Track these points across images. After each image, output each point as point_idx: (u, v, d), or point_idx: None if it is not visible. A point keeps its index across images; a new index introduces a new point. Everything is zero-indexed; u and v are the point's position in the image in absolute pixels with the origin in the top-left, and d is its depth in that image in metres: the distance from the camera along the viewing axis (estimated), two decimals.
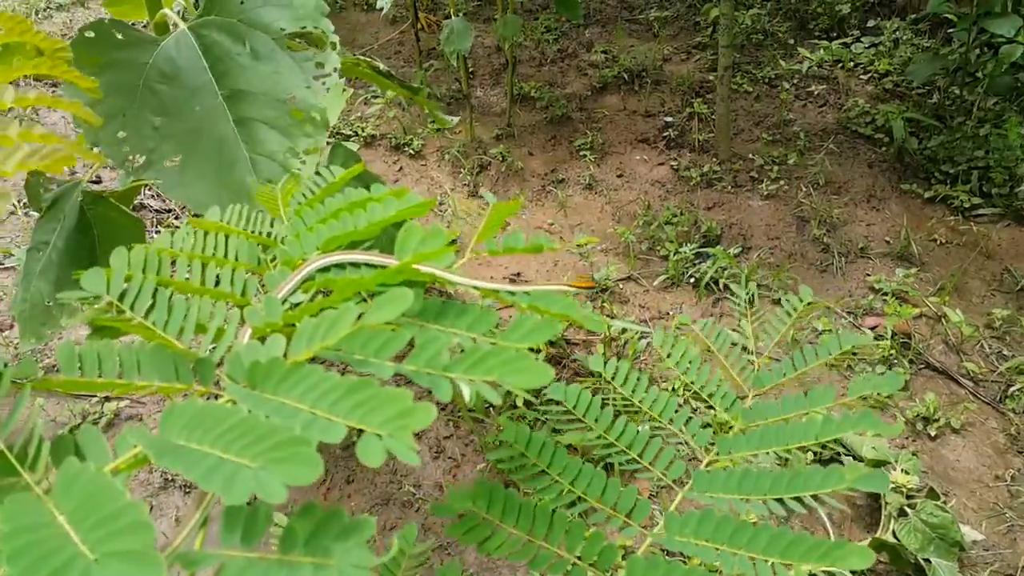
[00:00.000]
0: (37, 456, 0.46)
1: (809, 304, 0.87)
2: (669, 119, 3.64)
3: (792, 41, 4.25)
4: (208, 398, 0.54)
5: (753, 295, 2.66)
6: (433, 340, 0.52)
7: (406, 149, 3.55)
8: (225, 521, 0.44)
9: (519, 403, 2.16)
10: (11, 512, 0.38)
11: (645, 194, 3.23)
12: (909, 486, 1.90)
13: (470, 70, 4.21)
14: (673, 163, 3.38)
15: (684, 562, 0.60)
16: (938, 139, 3.23)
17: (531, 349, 0.51)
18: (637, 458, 0.73)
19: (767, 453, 0.70)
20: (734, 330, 0.75)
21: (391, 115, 3.71)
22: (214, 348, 0.58)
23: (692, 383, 0.79)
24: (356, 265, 0.60)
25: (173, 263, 0.66)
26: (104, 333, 0.60)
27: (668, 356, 0.81)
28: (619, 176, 3.35)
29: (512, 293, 0.64)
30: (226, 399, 0.51)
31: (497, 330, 0.56)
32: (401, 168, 3.46)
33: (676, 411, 0.77)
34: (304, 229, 0.70)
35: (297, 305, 0.58)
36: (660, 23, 4.57)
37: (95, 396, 2.35)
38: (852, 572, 1.83)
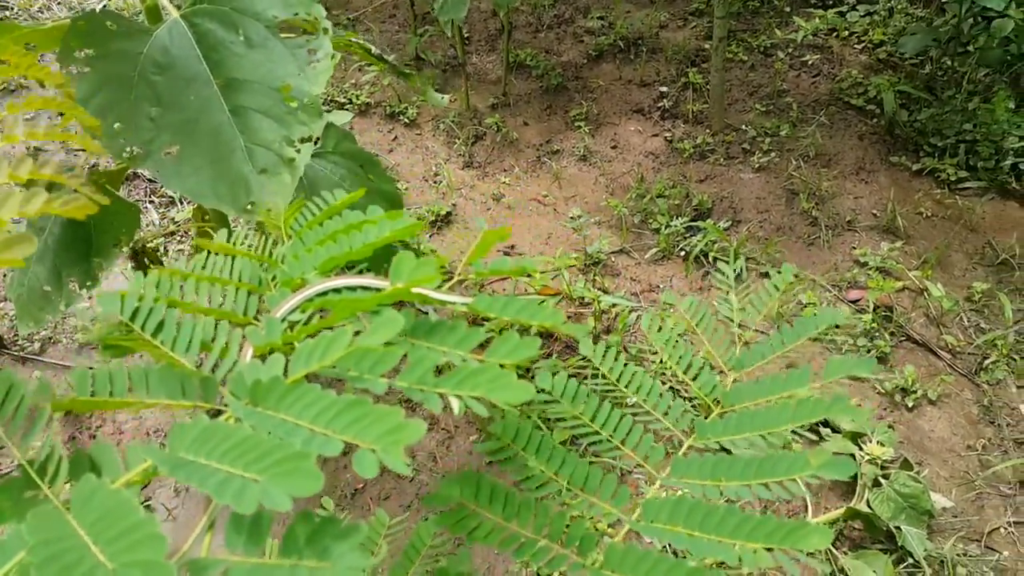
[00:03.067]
0: (57, 472, 0.52)
1: (795, 278, 0.92)
2: (664, 89, 3.66)
3: (788, 9, 4.24)
4: (212, 414, 0.59)
5: (741, 269, 2.72)
6: (424, 358, 0.57)
7: (401, 118, 3.57)
8: (230, 528, 0.49)
9: None
10: (36, 525, 0.43)
11: (639, 166, 3.26)
12: (884, 458, 1.98)
13: (465, 36, 4.20)
14: (667, 134, 3.41)
15: (668, 551, 0.67)
16: (928, 112, 3.27)
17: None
18: (619, 446, 0.79)
19: (743, 437, 0.76)
20: (725, 301, 0.80)
21: (386, 82, 3.72)
22: (216, 367, 0.63)
23: (676, 365, 0.85)
24: (352, 288, 0.65)
25: (182, 285, 0.72)
26: (114, 351, 0.65)
27: (654, 340, 0.87)
28: (613, 147, 3.38)
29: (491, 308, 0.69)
30: (228, 416, 0.57)
31: (482, 348, 0.62)
32: (395, 138, 3.48)
33: (660, 395, 0.83)
34: (303, 250, 0.75)
35: (296, 324, 0.63)
36: None
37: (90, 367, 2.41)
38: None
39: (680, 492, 0.72)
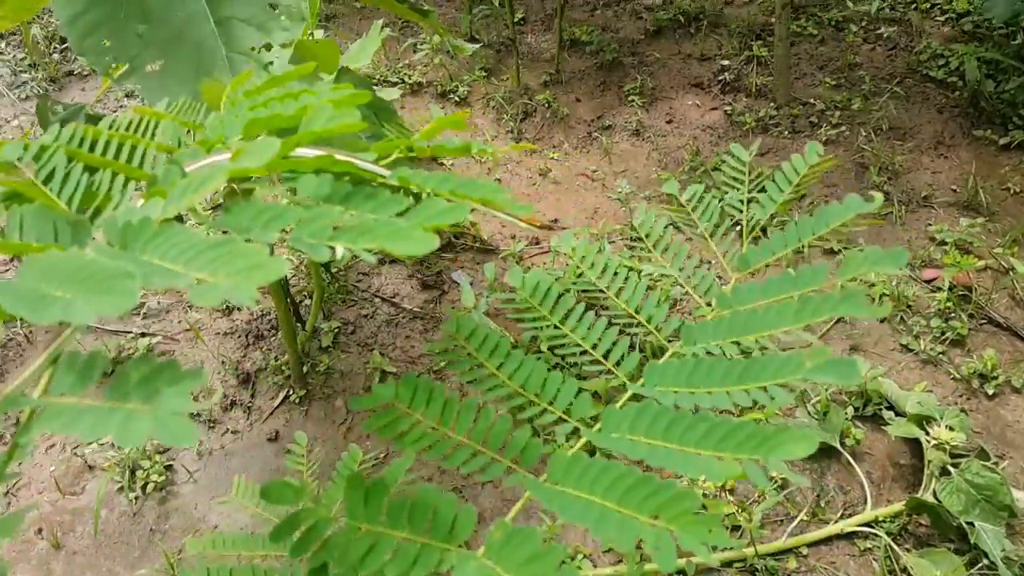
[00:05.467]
0: None
1: (816, 166, 0.77)
2: (725, 62, 3.46)
3: None
4: None
5: (805, 247, 2.52)
6: (324, 214, 0.49)
7: (452, 96, 3.48)
8: (62, 368, 0.43)
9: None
10: None
11: (694, 139, 3.09)
12: (953, 443, 1.76)
13: (521, 17, 4.10)
14: (727, 108, 3.22)
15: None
16: (1018, 81, 2.98)
17: None
18: (590, 350, 0.66)
19: (734, 343, 0.62)
20: (734, 187, 0.66)
21: (437, 61, 3.64)
22: (95, 212, 0.54)
23: (665, 262, 0.71)
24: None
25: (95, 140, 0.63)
26: (13, 199, 0.56)
27: (646, 236, 0.73)
28: (668, 122, 3.21)
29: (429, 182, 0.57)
30: (91, 256, 0.48)
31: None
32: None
33: (644, 296, 0.70)
34: (231, 115, 0.65)
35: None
36: None
37: (131, 332, 2.40)
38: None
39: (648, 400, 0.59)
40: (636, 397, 0.60)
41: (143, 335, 2.39)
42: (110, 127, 0.64)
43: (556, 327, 0.65)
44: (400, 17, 4.30)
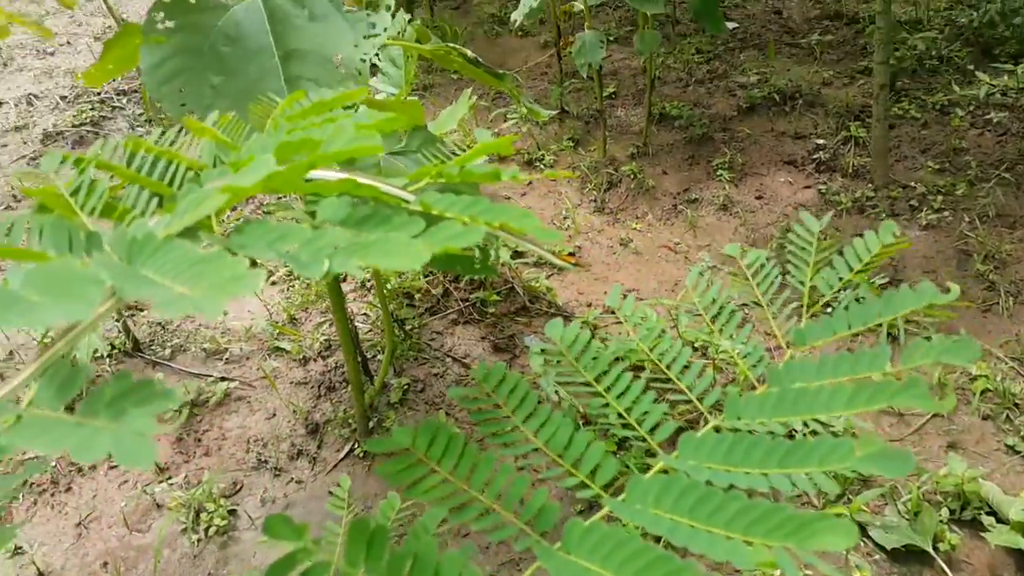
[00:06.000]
0: None
1: (890, 246, 0.71)
2: (821, 141, 3.38)
3: (972, 67, 3.85)
4: None
5: (899, 332, 2.38)
6: (326, 235, 0.48)
7: (538, 164, 3.52)
8: (45, 381, 0.42)
9: None
10: None
11: (785, 216, 3.00)
12: None
13: (612, 91, 4.15)
14: (821, 187, 3.12)
15: (649, 537, 0.49)
16: None
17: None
18: (624, 413, 0.61)
19: (781, 423, 0.56)
20: (797, 266, 0.60)
21: (525, 130, 3.70)
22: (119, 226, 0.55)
23: (716, 330, 0.66)
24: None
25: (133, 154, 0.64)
26: (44, 211, 0.58)
27: (697, 301, 0.69)
28: (758, 198, 3.14)
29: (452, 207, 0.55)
30: (92, 270, 0.48)
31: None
32: (530, 183, 3.43)
33: (687, 364, 0.65)
34: (268, 137, 0.66)
35: None
36: (822, 47, 4.30)
37: (211, 376, 2.46)
38: None
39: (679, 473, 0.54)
40: (667, 470, 0.55)
41: (223, 379, 2.44)
42: (158, 139, 0.65)
43: (589, 384, 0.61)
44: (493, 87, 4.44)
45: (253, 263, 0.49)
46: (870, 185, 3.07)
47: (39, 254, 0.41)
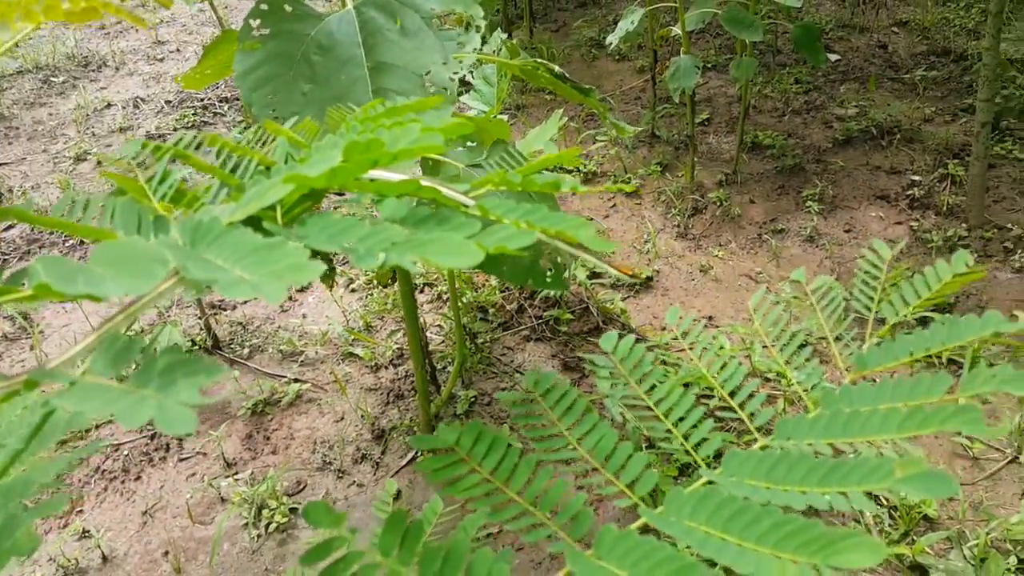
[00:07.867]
0: None
1: (962, 275, 0.68)
2: (916, 178, 3.26)
3: None
4: None
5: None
6: (384, 231, 0.50)
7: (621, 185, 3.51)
8: (102, 349, 0.44)
9: None
10: None
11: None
12: None
13: (706, 118, 4.10)
14: (914, 223, 3.01)
15: (679, 547, 0.48)
16: None
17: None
18: (672, 428, 0.61)
19: (828, 444, 0.55)
20: (863, 289, 0.58)
21: (613, 152, 3.70)
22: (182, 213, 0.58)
23: (775, 352, 0.65)
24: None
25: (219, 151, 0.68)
26: (121, 194, 0.62)
27: (757, 321, 0.68)
28: (847, 231, 3.05)
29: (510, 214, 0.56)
30: (157, 249, 0.51)
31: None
32: (614, 205, 3.42)
33: (741, 383, 0.64)
34: (339, 138, 0.69)
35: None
36: (926, 83, 4.15)
37: (285, 377, 2.54)
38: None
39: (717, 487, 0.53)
40: (709, 484, 0.54)
41: (296, 381, 2.52)
42: (248, 139, 0.69)
43: (639, 398, 0.61)
44: (583, 109, 4.44)
45: (316, 254, 0.51)
46: (964, 224, 2.94)
47: (108, 232, 0.44)
